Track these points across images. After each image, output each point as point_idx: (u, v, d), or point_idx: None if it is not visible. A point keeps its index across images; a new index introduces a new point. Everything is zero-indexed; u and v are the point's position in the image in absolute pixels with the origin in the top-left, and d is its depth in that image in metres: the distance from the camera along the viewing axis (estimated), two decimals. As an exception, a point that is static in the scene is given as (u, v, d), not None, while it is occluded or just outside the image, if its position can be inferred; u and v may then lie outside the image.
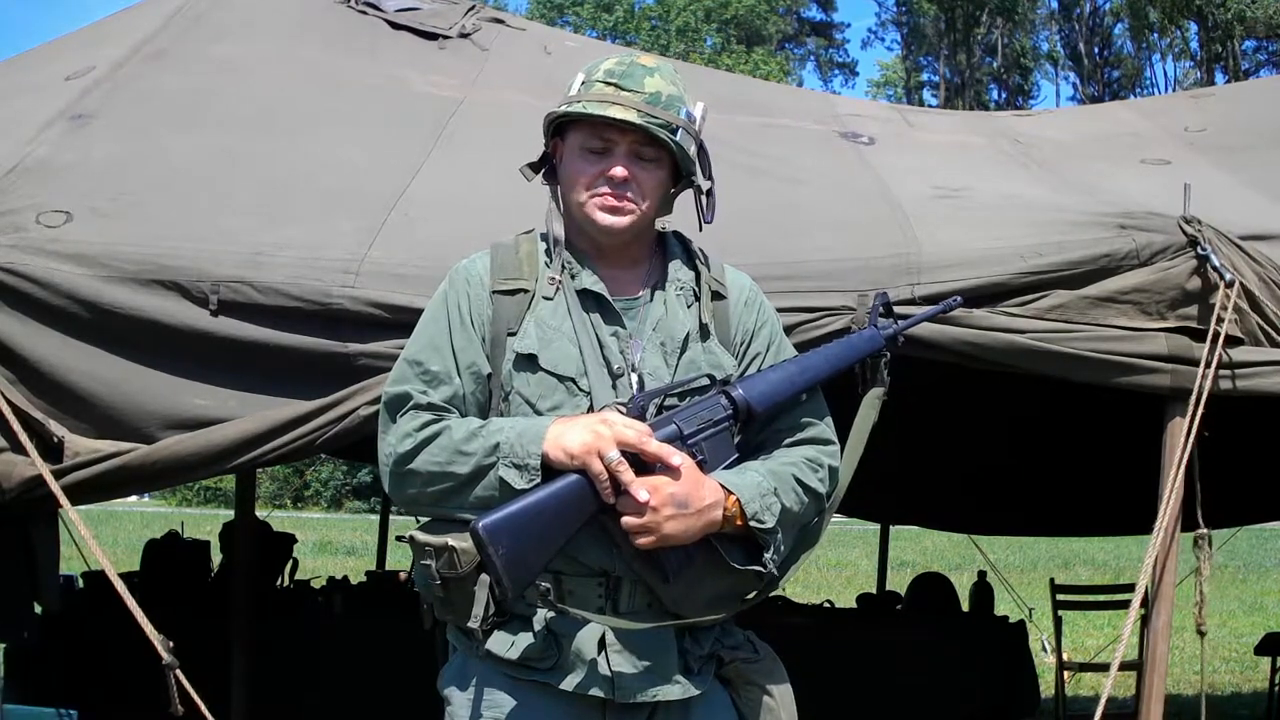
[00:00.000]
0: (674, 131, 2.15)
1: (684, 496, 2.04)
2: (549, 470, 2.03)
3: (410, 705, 3.09)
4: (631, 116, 2.12)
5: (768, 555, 2.13)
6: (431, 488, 2.09)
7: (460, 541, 2.04)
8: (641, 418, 2.09)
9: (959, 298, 2.84)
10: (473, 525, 1.98)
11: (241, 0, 4.64)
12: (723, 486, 2.10)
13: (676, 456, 2.06)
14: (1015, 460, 6.34)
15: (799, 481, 2.18)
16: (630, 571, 2.10)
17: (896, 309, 2.60)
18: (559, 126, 2.22)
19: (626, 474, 2.01)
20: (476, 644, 2.12)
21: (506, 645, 2.10)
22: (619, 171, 2.14)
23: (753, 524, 2.10)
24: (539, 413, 2.12)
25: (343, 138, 3.82)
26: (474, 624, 2.07)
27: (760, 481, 2.13)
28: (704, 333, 2.22)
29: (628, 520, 2.03)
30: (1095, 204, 3.66)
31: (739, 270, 2.37)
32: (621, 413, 2.09)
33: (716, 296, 2.27)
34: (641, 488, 2.02)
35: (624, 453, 2.02)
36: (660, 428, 2.09)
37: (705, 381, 2.19)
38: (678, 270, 2.26)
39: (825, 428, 2.29)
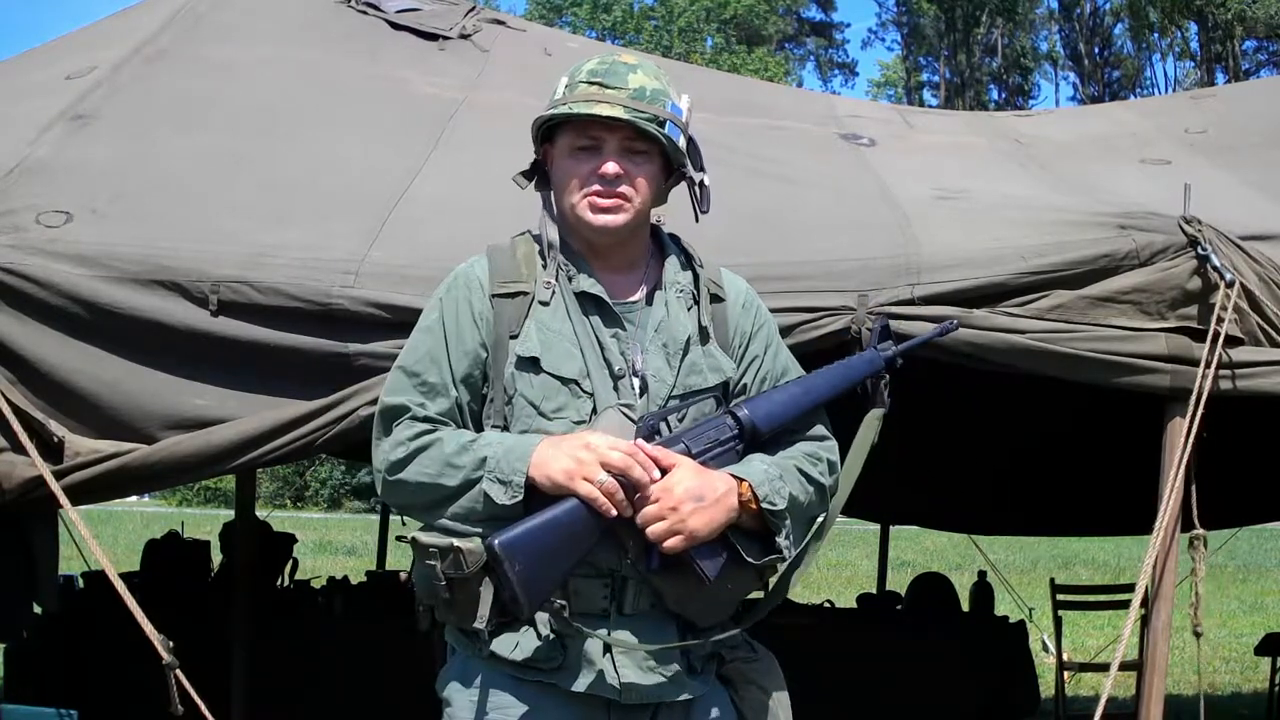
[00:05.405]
0: (661, 124, 2.15)
1: (698, 489, 2.06)
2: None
3: (410, 706, 3.09)
4: (618, 113, 2.12)
5: (780, 539, 2.14)
6: (420, 497, 2.12)
7: (465, 543, 2.04)
8: (651, 437, 2.10)
9: (955, 321, 2.77)
10: (488, 542, 1.99)
11: (242, 1, 4.65)
12: (732, 475, 2.11)
13: (672, 456, 2.07)
14: (1015, 460, 6.33)
15: (801, 472, 2.20)
16: (635, 572, 2.10)
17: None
18: (548, 131, 2.22)
19: (619, 493, 2.03)
20: (480, 645, 2.12)
21: (511, 646, 2.11)
22: (611, 168, 2.14)
23: (764, 506, 2.11)
24: (542, 414, 2.13)
25: (343, 138, 3.83)
26: (479, 625, 2.07)
27: (766, 469, 2.15)
28: (704, 336, 2.23)
29: (654, 528, 2.04)
30: (1095, 204, 3.66)
31: (734, 273, 2.37)
32: (626, 413, 2.11)
33: (715, 299, 2.27)
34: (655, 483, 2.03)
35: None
36: (670, 447, 2.11)
37: (708, 388, 2.20)
38: (676, 273, 2.27)
39: (821, 427, 2.30)
